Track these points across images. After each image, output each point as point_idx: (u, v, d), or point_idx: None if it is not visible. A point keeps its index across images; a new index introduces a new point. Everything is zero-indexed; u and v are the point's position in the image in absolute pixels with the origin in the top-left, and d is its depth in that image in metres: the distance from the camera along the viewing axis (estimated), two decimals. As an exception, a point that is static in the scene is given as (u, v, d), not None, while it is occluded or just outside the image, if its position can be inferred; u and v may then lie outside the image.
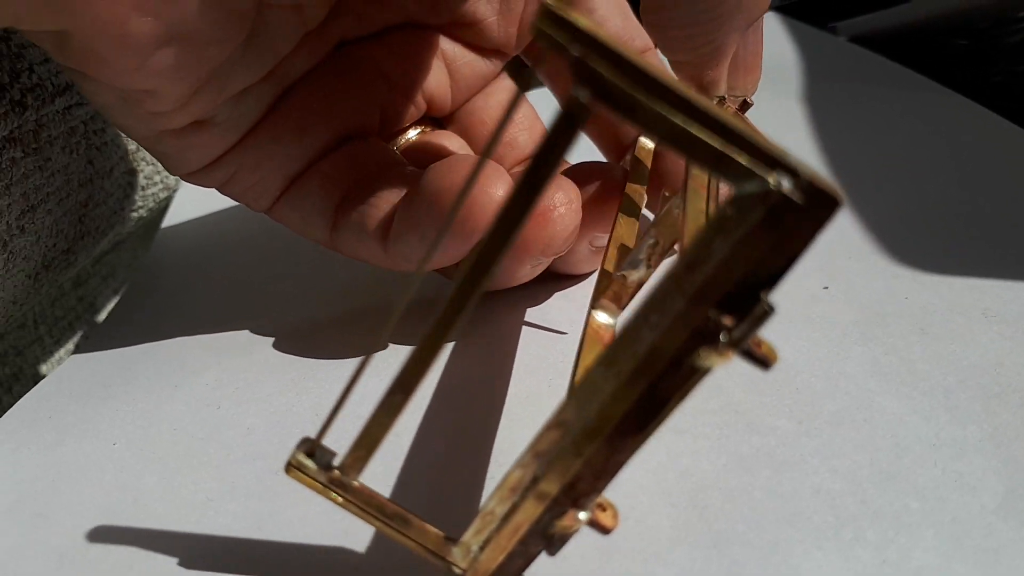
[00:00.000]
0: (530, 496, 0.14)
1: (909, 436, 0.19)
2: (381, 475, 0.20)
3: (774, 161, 0.11)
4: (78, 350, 0.28)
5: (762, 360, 0.13)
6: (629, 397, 0.13)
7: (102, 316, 0.37)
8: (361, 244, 0.24)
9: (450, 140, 0.27)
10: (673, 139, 0.12)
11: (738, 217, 0.12)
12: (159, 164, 0.32)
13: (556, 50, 0.11)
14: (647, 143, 0.26)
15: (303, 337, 0.26)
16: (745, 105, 0.24)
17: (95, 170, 0.29)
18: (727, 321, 0.13)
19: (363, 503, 0.15)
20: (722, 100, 0.23)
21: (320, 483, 0.15)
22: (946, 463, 0.18)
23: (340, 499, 0.15)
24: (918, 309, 0.24)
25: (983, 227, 0.28)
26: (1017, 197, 0.29)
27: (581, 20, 0.11)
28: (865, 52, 0.43)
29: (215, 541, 0.18)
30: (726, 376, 0.22)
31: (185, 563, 0.18)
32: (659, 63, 0.25)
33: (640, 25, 0.25)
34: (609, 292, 0.21)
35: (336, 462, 0.15)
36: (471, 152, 0.27)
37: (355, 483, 0.15)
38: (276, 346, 0.26)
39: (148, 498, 0.20)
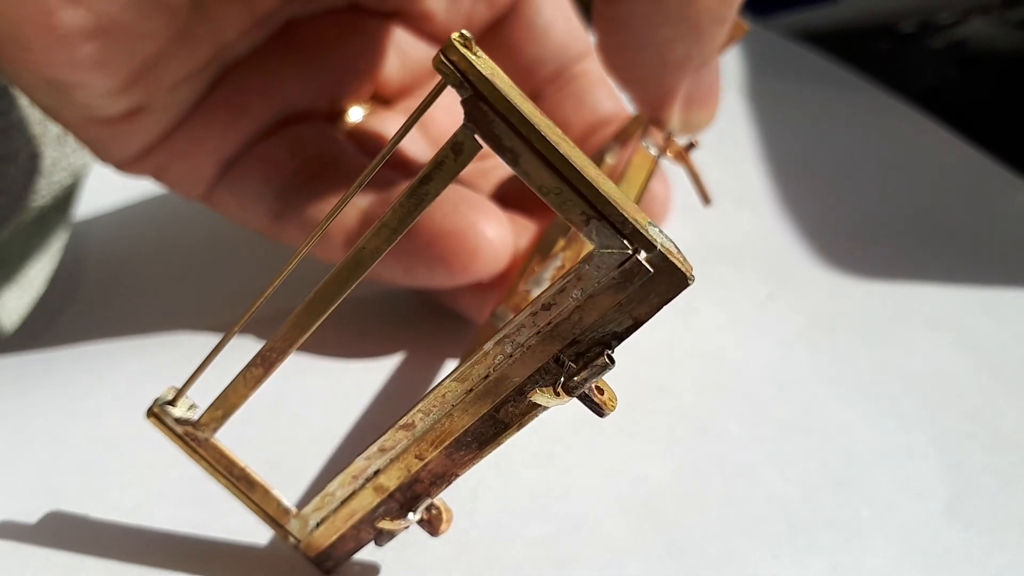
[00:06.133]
0: (369, 486, 0.17)
1: (857, 443, 0.22)
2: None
3: (636, 231, 0.13)
4: None
5: (598, 407, 0.15)
6: (473, 415, 0.16)
7: None
8: (318, 245, 0.25)
9: (400, 122, 0.28)
10: (548, 194, 0.14)
11: (595, 273, 0.14)
12: (64, 148, 0.33)
13: (454, 85, 0.13)
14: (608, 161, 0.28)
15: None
16: (691, 146, 0.26)
17: (0, 155, 0.29)
18: (572, 365, 0.14)
19: (213, 459, 0.17)
20: (669, 136, 0.26)
21: (175, 433, 0.17)
22: (893, 469, 0.21)
23: (191, 452, 0.17)
24: (861, 317, 0.27)
25: (920, 235, 0.31)
26: (953, 204, 0.33)
27: (480, 63, 0.13)
28: (806, 51, 0.46)
29: (147, 550, 0.19)
30: (676, 379, 0.25)
31: (113, 572, 0.19)
32: (596, 69, 0.28)
33: (583, 29, 0.28)
34: (511, 302, 0.23)
35: (196, 417, 0.17)
36: (419, 134, 0.28)
37: (208, 439, 0.17)
38: (206, 344, 0.26)
39: (71, 502, 0.20)
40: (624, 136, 0.27)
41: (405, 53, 0.28)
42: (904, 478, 0.21)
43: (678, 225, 0.30)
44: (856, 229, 0.32)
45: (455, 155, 0.14)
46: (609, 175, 0.25)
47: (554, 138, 0.13)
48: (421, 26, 0.28)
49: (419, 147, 0.28)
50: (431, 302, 0.27)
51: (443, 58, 0.13)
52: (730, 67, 0.43)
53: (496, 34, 0.28)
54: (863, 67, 0.43)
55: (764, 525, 0.20)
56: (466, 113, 0.14)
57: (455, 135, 0.14)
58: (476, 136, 0.14)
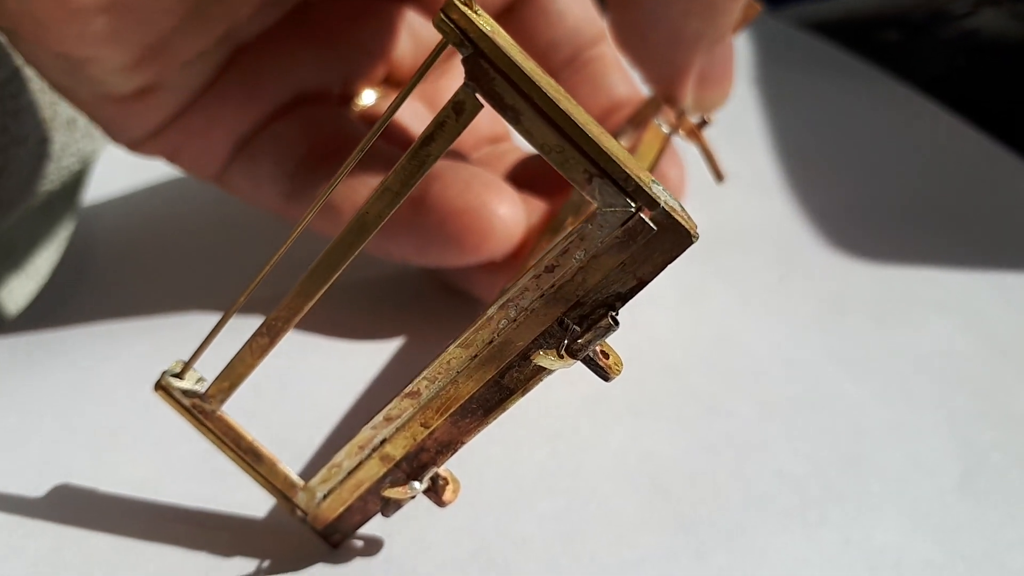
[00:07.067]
0: (375, 456, 0.16)
1: (868, 421, 0.22)
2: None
3: (639, 189, 0.13)
4: None
5: (603, 371, 0.14)
6: (478, 381, 0.15)
7: (1, 293, 0.37)
8: (328, 222, 0.24)
9: (413, 106, 0.28)
10: (550, 152, 0.14)
11: (598, 232, 0.13)
12: (74, 133, 0.32)
13: (454, 44, 0.13)
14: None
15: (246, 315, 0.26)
16: (703, 123, 0.26)
17: (10, 137, 0.29)
18: (576, 328, 0.14)
19: (220, 431, 0.17)
20: (682, 114, 0.25)
21: (183, 406, 0.17)
22: (904, 446, 0.21)
23: (199, 424, 0.17)
24: (872, 300, 0.27)
25: (930, 220, 0.31)
26: (962, 191, 0.33)
27: (482, 20, 0.13)
28: (816, 41, 0.46)
29: (154, 523, 0.19)
30: (686, 360, 0.24)
31: (120, 545, 0.18)
32: (611, 53, 0.27)
33: (597, 13, 0.27)
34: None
35: (203, 390, 0.17)
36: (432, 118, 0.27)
37: (216, 412, 0.17)
38: (214, 322, 0.26)
39: (80, 476, 0.20)
40: (639, 119, 0.27)
41: (418, 36, 0.28)
42: (915, 455, 0.21)
43: (690, 209, 0.29)
44: (866, 214, 0.31)
45: (456, 115, 0.14)
46: None
47: (555, 95, 0.13)
48: (435, 8, 0.27)
49: (419, 116, 0.27)
50: (441, 283, 0.27)
51: (443, 16, 0.13)
52: (741, 56, 0.43)
53: (511, 18, 0.27)
54: (873, 57, 0.43)
55: (775, 500, 0.20)
56: (467, 72, 0.13)
57: (456, 94, 0.13)
58: (477, 95, 0.13)
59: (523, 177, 0.26)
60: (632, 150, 0.24)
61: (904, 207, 0.32)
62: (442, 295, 0.27)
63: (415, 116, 0.27)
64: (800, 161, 0.35)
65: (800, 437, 0.21)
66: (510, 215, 0.23)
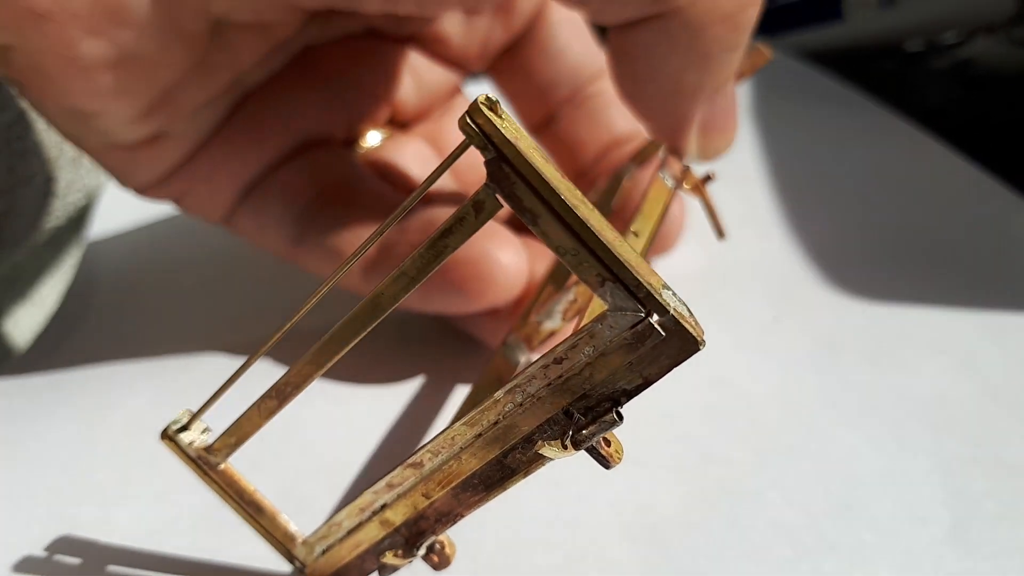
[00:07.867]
0: (375, 520, 0.17)
1: (862, 468, 0.22)
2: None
3: (650, 296, 0.13)
4: None
5: (605, 459, 0.15)
6: (481, 459, 0.16)
7: (7, 324, 0.37)
8: (330, 265, 0.25)
9: (417, 147, 0.28)
10: (565, 254, 0.14)
11: (607, 332, 0.14)
12: (79, 170, 0.32)
13: (478, 147, 0.13)
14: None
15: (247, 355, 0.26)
16: (707, 179, 0.26)
17: (16, 178, 0.29)
18: (581, 418, 0.14)
19: (224, 483, 0.17)
20: (687, 169, 0.25)
21: (189, 457, 0.17)
22: (898, 495, 0.21)
23: (204, 476, 0.17)
24: (866, 341, 0.27)
25: (926, 257, 0.31)
26: (959, 227, 0.33)
27: (506, 125, 0.13)
28: (813, 70, 0.46)
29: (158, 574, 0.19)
30: (681, 405, 0.24)
31: None
32: (611, 89, 0.27)
33: (598, 49, 0.28)
34: (523, 332, 0.23)
35: (210, 441, 0.17)
36: (435, 158, 0.28)
37: (221, 464, 0.17)
38: (218, 365, 0.26)
39: (86, 529, 0.20)
40: (641, 158, 0.27)
41: (421, 77, 0.28)
42: (907, 503, 0.21)
43: (685, 247, 0.30)
44: (861, 250, 0.31)
45: (476, 212, 0.14)
46: (625, 199, 0.25)
47: (573, 201, 0.13)
48: (437, 50, 0.27)
49: (424, 157, 0.28)
50: (446, 326, 0.27)
51: (468, 120, 0.13)
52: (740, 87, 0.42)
53: (512, 56, 0.28)
54: (868, 87, 0.43)
55: (769, 551, 0.20)
56: (489, 173, 0.13)
57: (476, 193, 0.14)
58: (497, 196, 0.14)
59: None
60: (637, 205, 0.24)
61: (899, 243, 0.32)
62: (450, 340, 0.27)
63: (416, 155, 0.28)
64: (795, 195, 0.35)
65: (794, 486, 0.22)
66: (513, 263, 0.23)
